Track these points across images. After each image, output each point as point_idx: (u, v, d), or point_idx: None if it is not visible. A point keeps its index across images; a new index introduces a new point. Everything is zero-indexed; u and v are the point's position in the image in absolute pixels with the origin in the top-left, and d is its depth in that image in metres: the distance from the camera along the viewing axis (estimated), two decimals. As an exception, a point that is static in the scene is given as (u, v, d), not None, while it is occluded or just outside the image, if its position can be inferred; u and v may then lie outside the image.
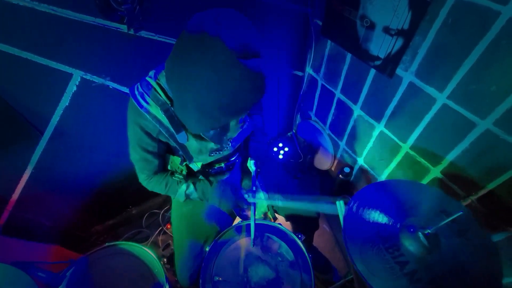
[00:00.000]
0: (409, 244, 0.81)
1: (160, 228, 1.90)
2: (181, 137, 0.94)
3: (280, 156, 2.17)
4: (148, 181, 1.09)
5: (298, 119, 2.19)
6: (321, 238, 1.85)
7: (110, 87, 1.23)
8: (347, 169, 1.76)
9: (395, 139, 1.37)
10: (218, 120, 0.75)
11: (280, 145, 2.20)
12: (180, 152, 1.06)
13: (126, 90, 1.27)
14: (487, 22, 0.84)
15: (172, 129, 0.92)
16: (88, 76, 1.16)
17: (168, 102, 0.88)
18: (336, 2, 1.32)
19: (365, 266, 0.77)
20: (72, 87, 1.15)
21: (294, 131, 2.30)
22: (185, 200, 1.12)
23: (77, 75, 1.13)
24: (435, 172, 1.24)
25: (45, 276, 1.00)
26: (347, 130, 1.69)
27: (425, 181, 1.30)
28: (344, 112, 1.64)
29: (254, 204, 1.10)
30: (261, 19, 1.42)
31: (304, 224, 1.31)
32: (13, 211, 1.41)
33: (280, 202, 1.11)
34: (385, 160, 1.49)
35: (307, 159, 2.15)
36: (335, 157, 1.95)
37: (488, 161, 1.02)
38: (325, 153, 2.01)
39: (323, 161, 2.07)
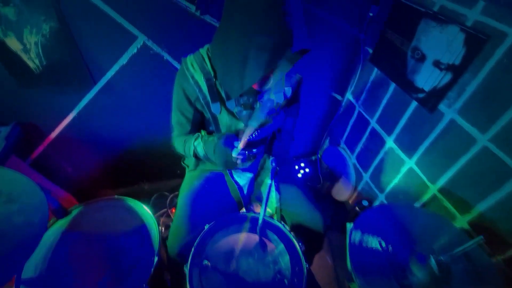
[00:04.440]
0: (418, 271, 0.75)
1: (165, 210, 1.92)
2: (215, 107, 0.99)
3: (299, 175, 2.14)
4: (175, 140, 1.16)
5: (326, 144, 2.17)
6: (321, 269, 1.73)
7: (165, 58, 1.35)
8: (365, 202, 1.67)
9: (424, 178, 1.30)
10: (261, 65, 0.76)
11: (302, 164, 2.18)
12: (211, 127, 1.11)
13: (177, 65, 1.39)
14: (546, 66, 0.81)
15: (208, 97, 0.97)
16: (150, 43, 1.29)
17: (212, 72, 0.95)
18: (390, 31, 1.36)
19: None
20: (133, 49, 1.29)
21: (319, 155, 2.27)
22: (194, 155, 1.11)
23: (141, 39, 1.27)
24: (462, 221, 1.14)
25: (55, 204, 1.06)
26: (375, 162, 1.64)
27: (448, 229, 1.19)
28: (375, 143, 1.61)
29: (269, 190, 1.09)
30: (316, 34, 1.49)
31: (309, 239, 1.24)
32: (46, 148, 1.53)
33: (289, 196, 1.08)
34: (409, 200, 1.41)
35: (326, 185, 2.09)
36: (355, 189, 1.88)
37: (525, 217, 0.92)
38: (346, 183, 1.95)
39: (342, 192, 2.00)
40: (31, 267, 0.98)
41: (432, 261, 0.71)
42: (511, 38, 0.89)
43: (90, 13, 1.14)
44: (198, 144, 1.06)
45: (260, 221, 1.01)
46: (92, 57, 1.27)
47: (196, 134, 1.09)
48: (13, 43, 1.14)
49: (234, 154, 0.95)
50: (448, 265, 0.72)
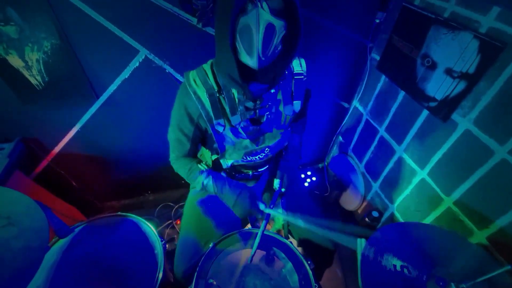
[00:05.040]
0: (437, 299, 0.69)
1: (170, 221, 1.89)
2: (218, 124, 0.96)
3: (306, 184, 2.09)
4: (175, 161, 1.11)
5: (334, 152, 2.12)
6: (330, 282, 1.68)
7: (167, 71, 1.33)
8: (375, 213, 1.62)
9: (438, 190, 1.24)
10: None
11: (309, 173, 2.13)
12: (215, 145, 1.07)
13: (180, 77, 1.36)
14: None
15: (211, 113, 0.94)
16: (151, 56, 1.27)
17: (215, 87, 0.91)
18: (398, 38, 1.31)
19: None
20: (135, 63, 1.27)
21: (326, 163, 2.22)
22: (201, 189, 1.10)
23: (143, 53, 1.25)
24: (480, 236, 1.08)
25: (57, 223, 1.04)
26: (384, 171, 1.58)
27: (465, 245, 1.13)
28: (384, 152, 1.55)
29: (268, 216, 1.04)
30: (321, 41, 1.45)
31: (317, 255, 1.20)
32: (50, 163, 1.52)
33: (300, 221, 1.04)
34: (422, 212, 1.35)
35: (334, 194, 2.04)
36: (364, 198, 1.82)
37: (551, 235, 0.86)
38: (355, 192, 1.89)
39: (351, 201, 1.94)
40: (32, 290, 0.96)
41: (453, 289, 0.66)
42: (530, 46, 0.84)
43: (91, 29, 1.12)
44: (208, 185, 1.08)
45: (253, 250, 0.99)
46: (94, 72, 1.26)
47: (203, 168, 1.10)
48: (15, 61, 1.13)
49: (259, 217, 1.03)
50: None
